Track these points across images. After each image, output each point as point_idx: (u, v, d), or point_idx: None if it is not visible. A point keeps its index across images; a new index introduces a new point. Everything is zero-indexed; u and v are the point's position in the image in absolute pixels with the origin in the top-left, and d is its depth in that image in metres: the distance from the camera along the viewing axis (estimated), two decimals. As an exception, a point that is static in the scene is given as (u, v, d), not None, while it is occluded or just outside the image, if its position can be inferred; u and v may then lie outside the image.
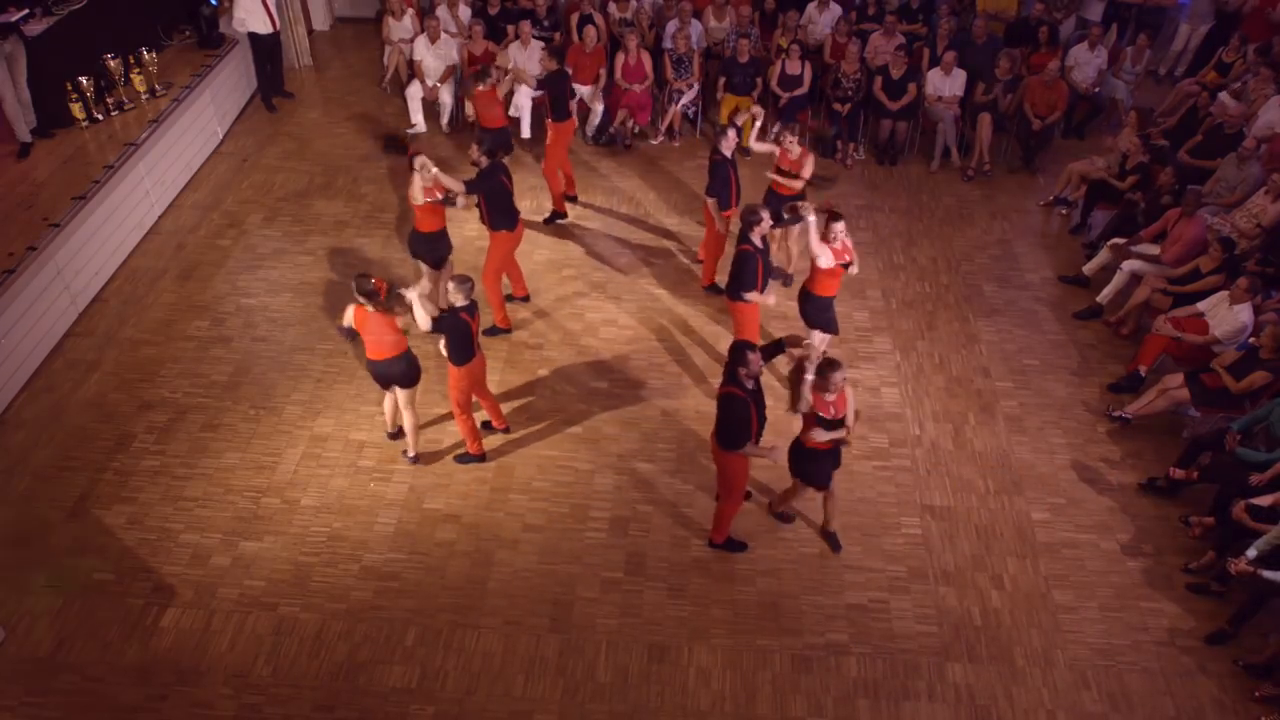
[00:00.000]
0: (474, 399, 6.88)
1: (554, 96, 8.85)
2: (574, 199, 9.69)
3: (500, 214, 7.60)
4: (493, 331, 8.05)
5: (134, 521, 6.58)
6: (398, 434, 7.14)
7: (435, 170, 7.29)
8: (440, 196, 7.43)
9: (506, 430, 7.26)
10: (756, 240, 6.89)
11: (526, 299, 8.45)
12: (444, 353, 6.49)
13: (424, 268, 7.80)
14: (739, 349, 5.78)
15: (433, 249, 7.73)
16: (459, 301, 6.31)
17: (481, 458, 7.05)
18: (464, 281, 6.32)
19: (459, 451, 7.08)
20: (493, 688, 5.73)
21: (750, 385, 5.81)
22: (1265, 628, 6.01)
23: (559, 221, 9.45)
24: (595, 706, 5.66)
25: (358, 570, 6.34)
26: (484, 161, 7.43)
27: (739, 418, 5.79)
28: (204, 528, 6.55)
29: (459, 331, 6.34)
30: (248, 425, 7.28)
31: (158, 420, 7.30)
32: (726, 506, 6.33)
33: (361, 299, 6.30)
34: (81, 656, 5.81)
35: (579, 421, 7.40)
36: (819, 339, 7.31)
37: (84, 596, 6.12)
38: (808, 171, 7.99)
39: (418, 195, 7.34)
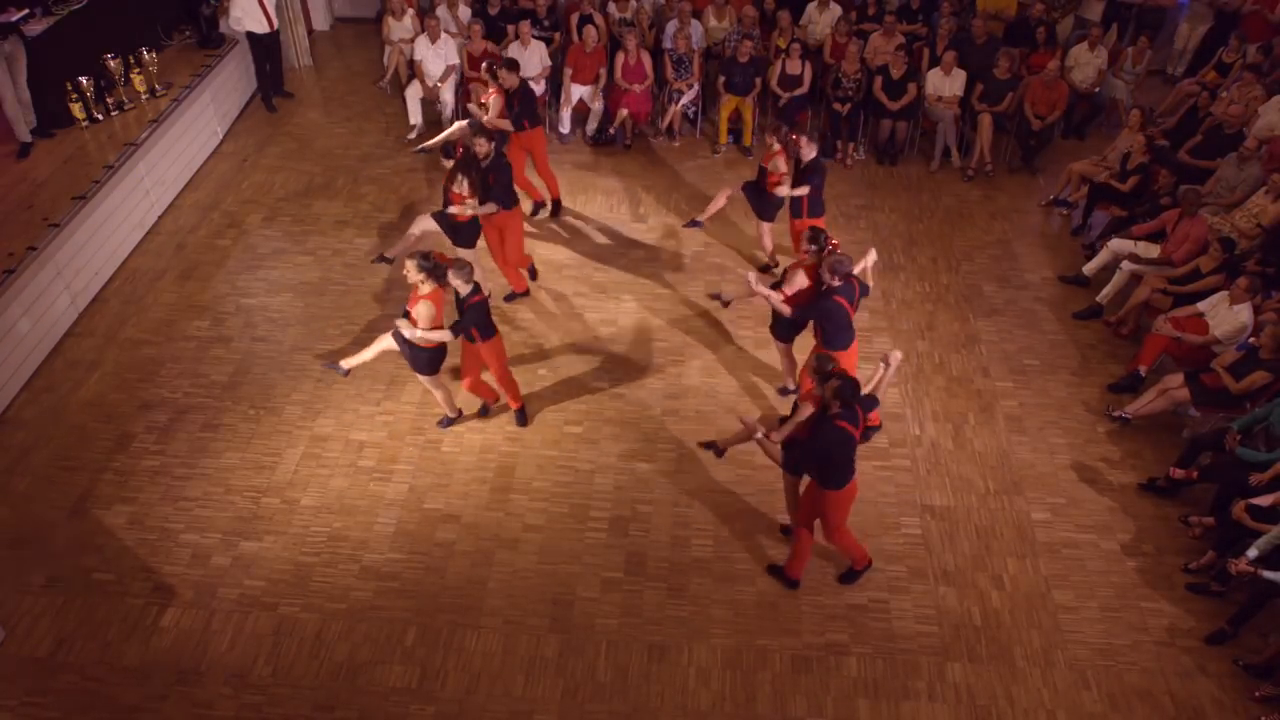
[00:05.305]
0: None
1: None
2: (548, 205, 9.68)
3: (510, 192, 7.76)
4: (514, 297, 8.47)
5: (134, 521, 6.58)
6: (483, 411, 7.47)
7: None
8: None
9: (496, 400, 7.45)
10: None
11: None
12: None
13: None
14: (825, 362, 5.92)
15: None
16: (464, 289, 6.43)
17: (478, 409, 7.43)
18: (463, 267, 6.40)
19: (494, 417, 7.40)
20: (493, 688, 5.73)
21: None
22: (1265, 628, 6.01)
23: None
24: (595, 706, 5.66)
25: (358, 570, 6.34)
26: (492, 149, 7.52)
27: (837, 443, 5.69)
28: (204, 528, 6.55)
29: (482, 313, 6.55)
30: (248, 425, 7.29)
31: (158, 420, 7.30)
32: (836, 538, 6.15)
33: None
34: (81, 656, 5.81)
35: (579, 421, 7.40)
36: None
37: (84, 596, 6.12)
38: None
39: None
